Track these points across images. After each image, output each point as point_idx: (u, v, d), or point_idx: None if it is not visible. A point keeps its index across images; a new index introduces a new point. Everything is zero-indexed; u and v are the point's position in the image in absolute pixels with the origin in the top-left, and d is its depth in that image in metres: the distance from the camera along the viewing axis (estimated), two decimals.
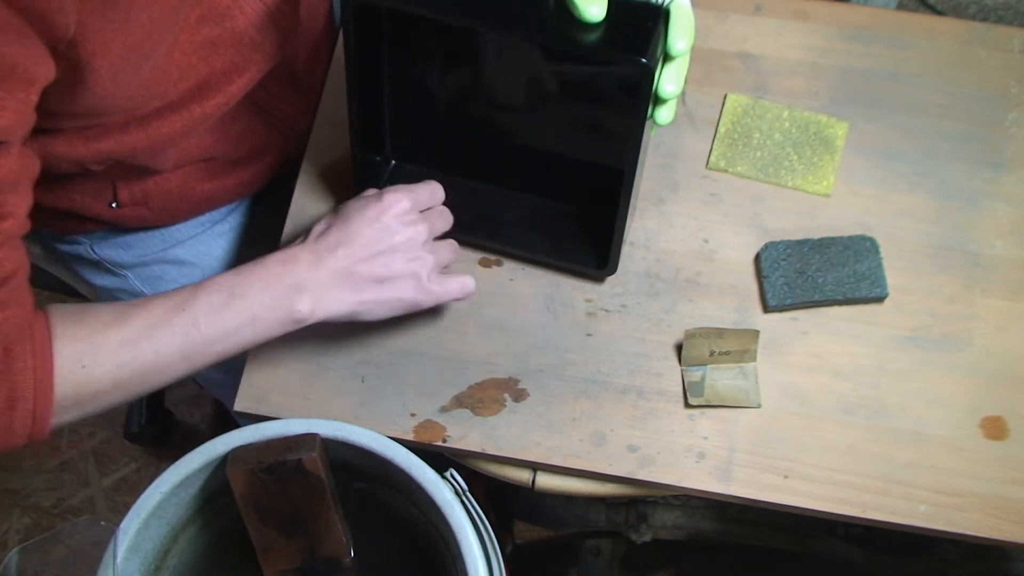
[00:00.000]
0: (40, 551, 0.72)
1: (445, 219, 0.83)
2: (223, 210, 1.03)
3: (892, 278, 0.88)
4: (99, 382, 0.71)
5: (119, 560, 0.69)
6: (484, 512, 0.73)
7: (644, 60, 0.68)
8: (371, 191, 0.80)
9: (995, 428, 0.84)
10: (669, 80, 0.72)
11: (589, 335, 0.87)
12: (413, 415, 0.85)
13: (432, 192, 0.82)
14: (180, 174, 0.92)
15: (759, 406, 0.84)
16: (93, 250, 1.01)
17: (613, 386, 0.85)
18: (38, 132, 0.73)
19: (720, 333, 0.83)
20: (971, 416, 0.84)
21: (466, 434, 0.84)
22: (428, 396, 0.85)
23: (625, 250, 0.88)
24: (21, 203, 0.69)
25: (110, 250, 1.01)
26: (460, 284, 0.81)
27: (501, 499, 1.33)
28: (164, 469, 0.73)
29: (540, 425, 0.84)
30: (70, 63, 0.67)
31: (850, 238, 0.88)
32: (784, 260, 0.88)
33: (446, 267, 0.82)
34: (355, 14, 0.75)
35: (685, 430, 0.84)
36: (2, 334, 0.67)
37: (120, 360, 0.71)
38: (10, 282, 0.68)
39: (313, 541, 0.74)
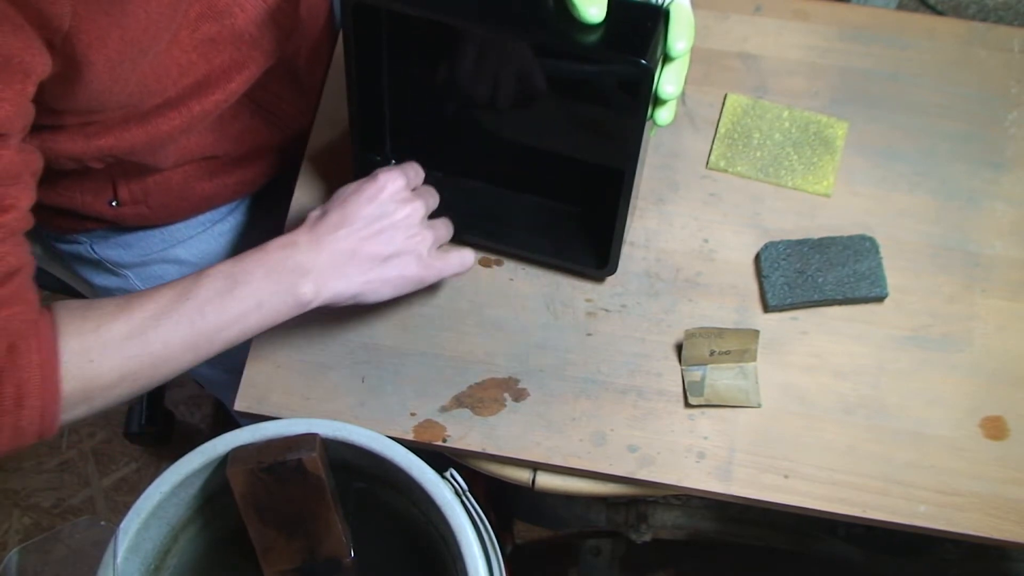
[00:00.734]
0: (40, 551, 0.72)
1: (434, 196, 0.83)
2: (223, 210, 1.03)
3: (892, 278, 0.88)
4: (107, 375, 0.70)
5: (119, 560, 0.69)
6: (484, 512, 0.73)
7: (644, 61, 0.68)
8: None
9: (995, 428, 0.84)
10: (669, 80, 0.72)
11: (589, 335, 0.87)
12: (413, 415, 0.85)
13: (417, 171, 0.82)
14: (180, 173, 0.92)
15: (759, 406, 0.84)
16: (93, 250, 1.01)
17: (613, 386, 0.85)
18: (38, 129, 0.73)
19: (720, 333, 0.83)
20: (971, 416, 0.84)
21: (466, 434, 0.84)
22: (428, 396, 0.85)
23: (625, 250, 0.88)
24: (23, 197, 0.68)
25: (110, 250, 1.01)
26: (459, 258, 0.81)
27: (501, 499, 1.33)
28: (164, 469, 0.73)
29: (540, 425, 0.84)
30: (66, 57, 0.67)
31: (850, 238, 0.88)
32: (784, 260, 0.88)
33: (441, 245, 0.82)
34: (355, 14, 0.75)
35: (685, 430, 0.84)
36: (7, 331, 0.67)
37: (127, 352, 0.70)
38: (14, 279, 0.68)
39: (313, 541, 0.74)
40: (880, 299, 0.87)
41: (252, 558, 0.74)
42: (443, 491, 0.71)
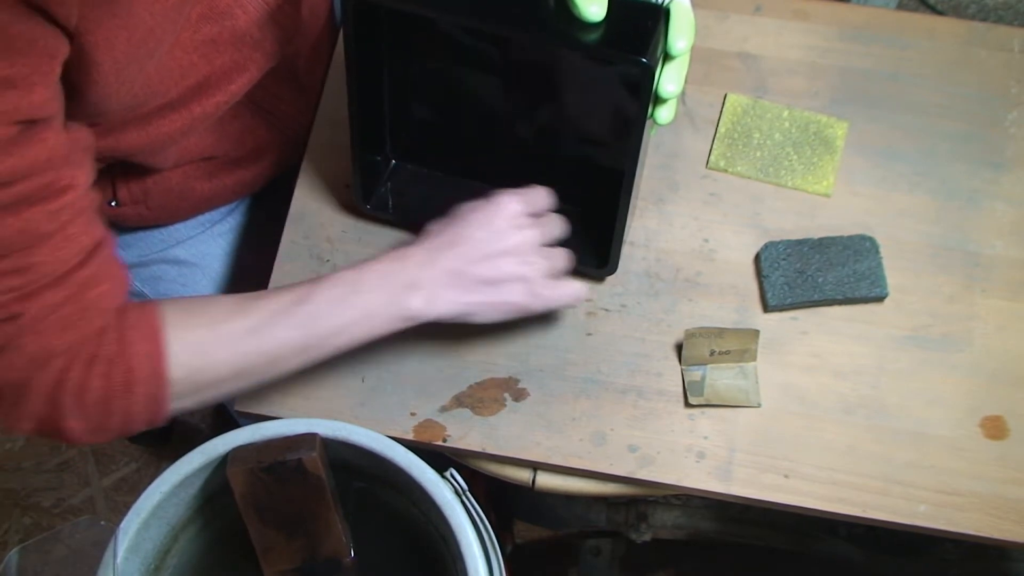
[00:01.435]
0: (40, 551, 0.72)
1: (558, 225, 0.82)
2: (223, 210, 1.03)
3: (892, 278, 0.88)
4: (220, 369, 0.73)
5: (119, 560, 0.69)
6: (484, 512, 0.73)
7: (644, 60, 0.68)
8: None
9: (995, 428, 0.84)
10: (669, 80, 0.72)
11: (589, 335, 0.87)
12: (413, 415, 0.85)
13: (542, 196, 0.81)
14: (180, 173, 0.92)
15: (759, 406, 0.84)
16: None
17: (613, 386, 0.85)
18: None
19: (720, 333, 0.83)
20: (971, 416, 0.84)
21: (466, 434, 0.84)
22: (428, 396, 0.85)
23: (625, 250, 0.88)
24: (81, 175, 0.69)
25: None
26: (573, 291, 0.80)
27: (501, 499, 1.33)
28: (164, 469, 0.73)
29: (540, 425, 0.84)
30: (74, 59, 0.67)
31: (850, 238, 0.88)
32: (784, 260, 0.88)
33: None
34: (355, 13, 0.75)
35: (685, 430, 0.84)
36: (100, 311, 0.68)
37: (243, 349, 0.73)
38: (94, 257, 0.69)
39: (313, 541, 0.74)
40: (880, 299, 0.87)
41: (252, 558, 0.74)
42: (443, 491, 0.71)
